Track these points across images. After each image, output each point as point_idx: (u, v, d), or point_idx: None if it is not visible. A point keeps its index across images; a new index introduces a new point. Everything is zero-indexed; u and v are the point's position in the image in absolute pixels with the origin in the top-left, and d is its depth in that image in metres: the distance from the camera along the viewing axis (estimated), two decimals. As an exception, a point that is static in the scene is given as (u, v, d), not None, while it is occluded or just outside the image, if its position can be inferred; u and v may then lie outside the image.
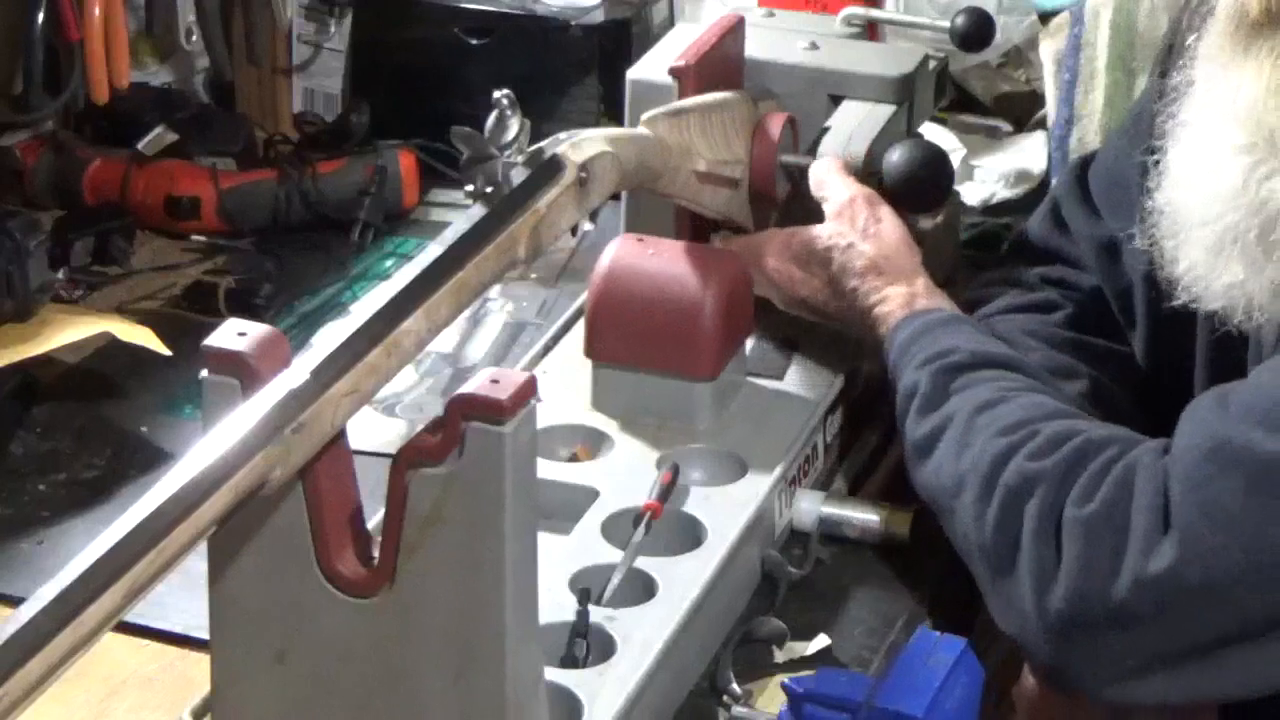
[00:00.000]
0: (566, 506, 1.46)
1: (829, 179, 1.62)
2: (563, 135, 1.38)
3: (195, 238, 2.00)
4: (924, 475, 1.45)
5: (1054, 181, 2.00)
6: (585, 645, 1.33)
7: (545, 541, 1.25)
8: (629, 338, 1.56)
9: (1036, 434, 1.39)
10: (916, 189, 1.63)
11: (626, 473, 1.51)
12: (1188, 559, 1.29)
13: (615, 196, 1.54)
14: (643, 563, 1.41)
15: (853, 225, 1.59)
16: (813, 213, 1.73)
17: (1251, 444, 1.29)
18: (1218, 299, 1.38)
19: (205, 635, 1.23)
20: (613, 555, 1.41)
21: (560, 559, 1.40)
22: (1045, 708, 1.41)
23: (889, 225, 1.59)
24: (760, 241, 1.63)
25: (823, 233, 1.60)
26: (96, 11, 1.92)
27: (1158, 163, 1.44)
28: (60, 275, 1.80)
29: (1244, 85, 1.35)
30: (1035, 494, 1.35)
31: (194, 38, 2.13)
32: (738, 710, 1.36)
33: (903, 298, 1.56)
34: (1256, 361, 1.41)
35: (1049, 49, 2.10)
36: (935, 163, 1.64)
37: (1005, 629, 1.39)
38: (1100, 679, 1.34)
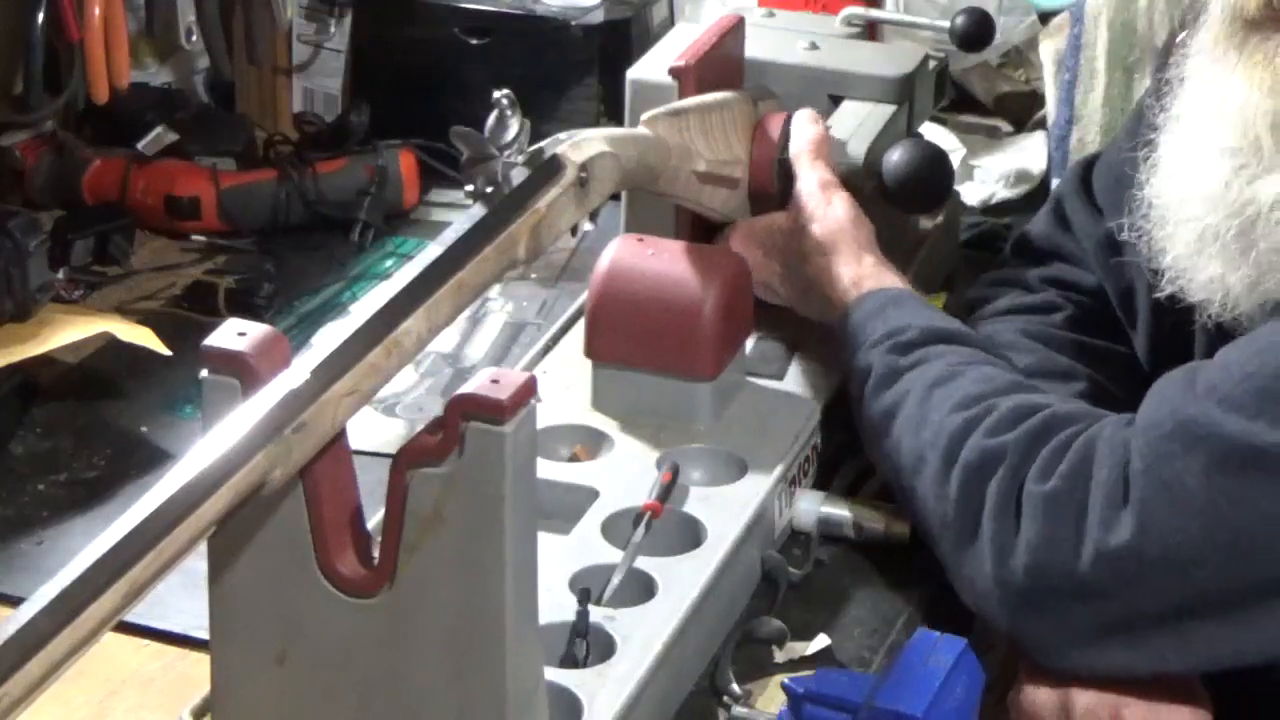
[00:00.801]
0: (566, 506, 1.46)
1: (799, 167, 1.63)
2: (563, 135, 1.38)
3: (195, 238, 2.00)
4: (882, 454, 1.47)
5: (1055, 181, 2.00)
6: (585, 645, 1.33)
7: (545, 541, 1.25)
8: (629, 338, 1.56)
9: (994, 409, 1.40)
10: (916, 189, 1.63)
11: (626, 473, 1.51)
12: (1147, 533, 1.30)
13: (615, 196, 1.54)
14: (643, 563, 1.41)
15: (804, 210, 1.59)
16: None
17: (1214, 423, 1.30)
18: (1199, 292, 1.40)
19: (205, 635, 1.23)
20: (613, 555, 1.41)
21: (560, 559, 1.40)
22: (1042, 713, 1.40)
23: (838, 206, 1.59)
24: (731, 230, 1.64)
25: (778, 218, 1.62)
26: (96, 11, 1.92)
27: (1149, 156, 1.45)
28: (60, 275, 1.80)
29: (1235, 86, 1.36)
30: (996, 471, 1.37)
31: (194, 38, 2.13)
32: (738, 710, 1.36)
33: (850, 278, 1.56)
34: None
35: (1049, 49, 2.10)
36: (935, 163, 1.64)
37: (966, 601, 1.40)
38: (1060, 648, 1.36)
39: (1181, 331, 1.50)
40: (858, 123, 1.69)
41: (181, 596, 1.36)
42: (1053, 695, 1.39)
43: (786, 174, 1.65)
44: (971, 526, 1.38)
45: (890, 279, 1.57)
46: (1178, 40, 1.44)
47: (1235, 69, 1.36)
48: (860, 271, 1.56)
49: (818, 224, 1.59)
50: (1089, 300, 1.65)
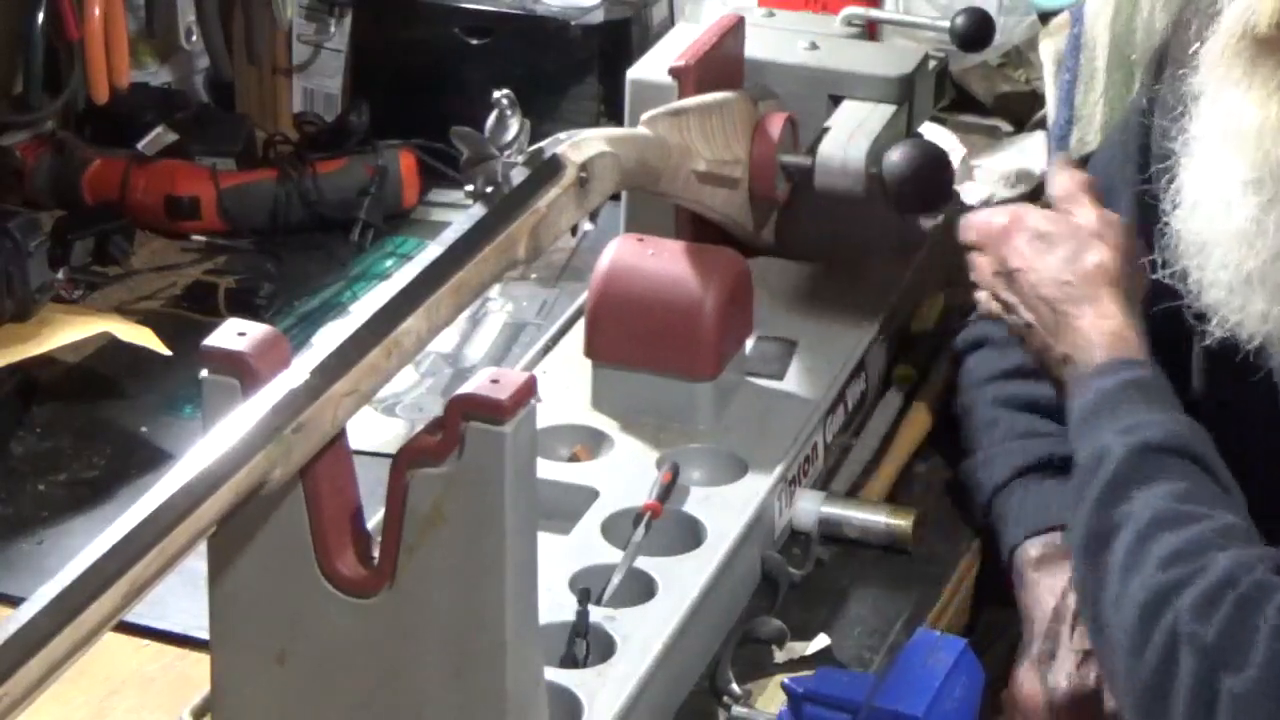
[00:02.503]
0: (566, 506, 1.46)
1: (1078, 196, 1.50)
2: (563, 135, 1.38)
3: (195, 238, 2.00)
4: (1087, 568, 1.37)
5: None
6: (585, 645, 1.33)
7: (545, 541, 1.25)
8: (629, 338, 1.56)
9: (1204, 571, 1.30)
10: (916, 189, 1.63)
11: (626, 473, 1.51)
12: None
13: (615, 196, 1.54)
14: (643, 563, 1.41)
15: (1068, 241, 1.47)
16: (815, 211, 1.73)
17: None
18: (1254, 334, 1.35)
19: (205, 635, 1.23)
20: (613, 555, 1.41)
21: (560, 559, 1.40)
22: (1034, 712, 1.40)
23: (1101, 254, 1.46)
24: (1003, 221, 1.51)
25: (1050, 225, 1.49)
26: (96, 11, 1.92)
27: (1170, 180, 1.41)
28: (60, 275, 1.80)
29: (1248, 110, 1.32)
30: (1192, 657, 1.27)
31: (194, 38, 2.13)
32: (738, 710, 1.36)
33: (1099, 335, 1.43)
34: None
35: (1049, 49, 2.10)
36: (935, 163, 1.64)
37: None
38: None
39: (1172, 345, 1.48)
40: (858, 123, 1.68)
41: (181, 596, 1.36)
42: (1040, 690, 1.39)
43: (790, 176, 1.65)
44: (1164, 701, 1.28)
45: (1138, 346, 1.43)
46: (1190, 50, 1.40)
47: (1248, 91, 1.32)
48: (1108, 327, 1.43)
49: (1078, 262, 1.46)
50: None
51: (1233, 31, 1.32)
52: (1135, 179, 1.53)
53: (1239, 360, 1.38)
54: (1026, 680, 1.41)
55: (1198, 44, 1.38)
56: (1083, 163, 1.68)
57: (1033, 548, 1.48)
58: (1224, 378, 1.44)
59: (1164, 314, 1.43)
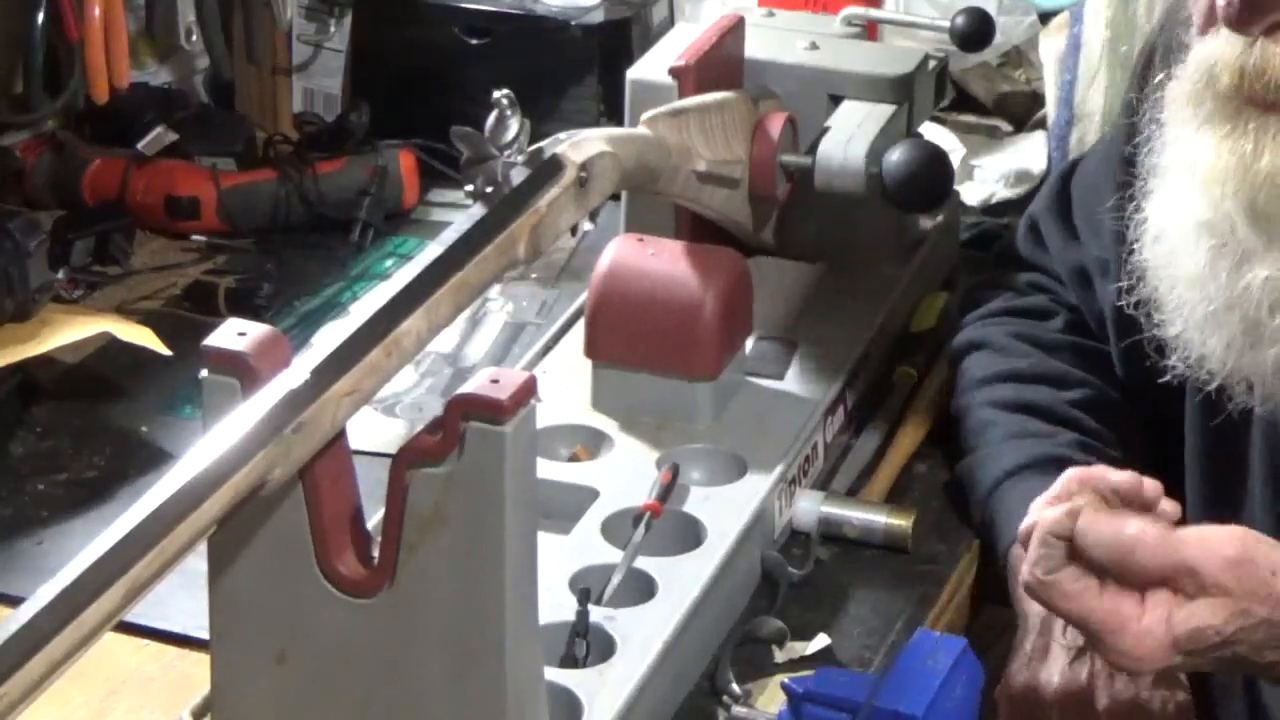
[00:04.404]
0: (566, 506, 1.46)
1: (1191, 541, 1.23)
2: (563, 135, 1.38)
3: (195, 238, 2.00)
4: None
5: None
6: (585, 645, 1.33)
7: (545, 541, 1.25)
8: (629, 338, 1.56)
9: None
10: (916, 189, 1.63)
11: (626, 473, 1.51)
12: None
13: (615, 196, 1.54)
14: (643, 563, 1.41)
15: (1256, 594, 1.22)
16: (815, 211, 1.73)
17: None
18: (1213, 373, 1.33)
19: (205, 635, 1.23)
20: (613, 555, 1.41)
21: (560, 559, 1.40)
22: (1027, 708, 1.40)
23: None
24: (1127, 646, 1.23)
25: (1214, 620, 1.22)
26: (96, 11, 1.92)
27: (1137, 206, 1.40)
28: (60, 275, 1.80)
29: (1203, 149, 1.29)
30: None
31: (194, 38, 2.13)
32: (738, 710, 1.36)
33: None
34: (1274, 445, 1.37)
35: (1049, 49, 2.10)
36: (935, 163, 1.64)
37: None
38: None
39: (1157, 367, 1.47)
40: (858, 123, 1.69)
41: (181, 596, 1.36)
42: (1033, 687, 1.39)
43: (790, 176, 1.65)
44: None
45: None
46: (1157, 80, 1.37)
47: (1200, 130, 1.29)
48: None
49: None
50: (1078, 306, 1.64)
51: (1195, 78, 1.30)
52: (1119, 202, 1.52)
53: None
54: (1019, 676, 1.41)
55: (1164, 73, 1.36)
56: (1073, 166, 1.68)
57: None
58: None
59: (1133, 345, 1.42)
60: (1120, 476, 1.26)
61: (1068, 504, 1.24)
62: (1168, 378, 1.38)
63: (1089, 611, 1.22)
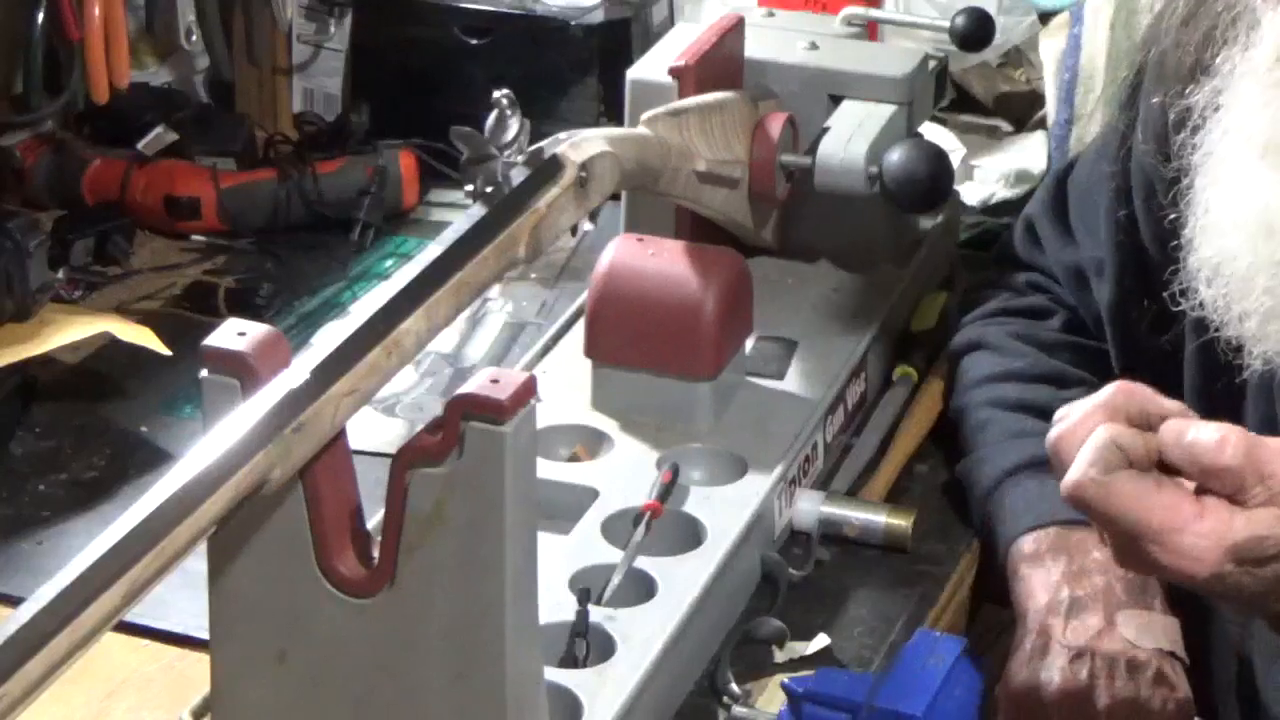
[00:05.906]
0: (566, 506, 1.46)
1: (1273, 449, 1.18)
2: (563, 135, 1.38)
3: (195, 238, 2.00)
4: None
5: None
6: (585, 645, 1.33)
7: (545, 541, 1.25)
8: (629, 338, 1.56)
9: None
10: (916, 189, 1.63)
11: (626, 473, 1.51)
12: None
13: (615, 196, 1.54)
14: (643, 563, 1.41)
15: None
16: (815, 211, 1.73)
17: None
18: None
19: (205, 635, 1.23)
20: (613, 555, 1.41)
21: (560, 559, 1.40)
22: (1026, 708, 1.41)
23: None
24: (1188, 544, 1.19)
25: (1277, 528, 1.18)
26: (96, 11, 1.92)
27: (1188, 201, 1.34)
28: (60, 275, 1.80)
29: None
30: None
31: (194, 38, 2.13)
32: (738, 710, 1.36)
33: None
34: None
35: (1049, 49, 2.10)
36: (935, 163, 1.64)
37: None
38: None
39: (1158, 368, 1.47)
40: (858, 123, 1.68)
41: (181, 596, 1.36)
42: (1033, 686, 1.39)
43: (791, 176, 1.65)
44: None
45: None
46: (1208, 63, 1.32)
47: None
48: None
49: None
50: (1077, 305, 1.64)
51: (1275, 51, 1.26)
52: (1114, 206, 1.52)
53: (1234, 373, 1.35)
54: (1019, 676, 1.41)
55: (1222, 50, 1.31)
56: (1069, 167, 1.68)
57: (1025, 543, 1.48)
58: (1221, 403, 1.41)
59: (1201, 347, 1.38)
60: (1170, 403, 1.22)
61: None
62: (1166, 380, 1.38)
63: (1148, 510, 1.17)
